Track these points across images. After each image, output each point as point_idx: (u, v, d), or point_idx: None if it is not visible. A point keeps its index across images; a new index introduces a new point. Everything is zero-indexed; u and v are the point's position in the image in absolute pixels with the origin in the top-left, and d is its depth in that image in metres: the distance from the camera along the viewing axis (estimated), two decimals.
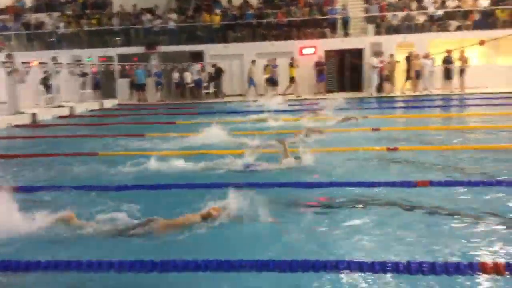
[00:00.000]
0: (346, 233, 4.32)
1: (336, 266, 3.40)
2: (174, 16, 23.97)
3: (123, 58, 22.81)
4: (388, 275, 3.38)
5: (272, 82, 21.31)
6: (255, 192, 4.70)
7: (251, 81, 21.55)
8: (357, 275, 3.39)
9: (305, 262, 3.38)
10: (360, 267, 3.42)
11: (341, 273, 3.37)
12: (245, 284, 3.38)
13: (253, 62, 21.47)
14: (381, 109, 16.12)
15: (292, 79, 21.21)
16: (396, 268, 3.38)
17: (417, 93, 19.78)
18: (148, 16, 23.96)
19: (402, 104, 17.81)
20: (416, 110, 14.54)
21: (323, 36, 22.47)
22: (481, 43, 12.52)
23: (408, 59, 20.14)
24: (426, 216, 4.74)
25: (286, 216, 4.76)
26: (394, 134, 9.69)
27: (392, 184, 5.76)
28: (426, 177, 6.05)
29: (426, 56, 20.03)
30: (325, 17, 22.64)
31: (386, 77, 20.60)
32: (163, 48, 22.80)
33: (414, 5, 22.89)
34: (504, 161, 7.05)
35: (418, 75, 20.44)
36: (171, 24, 23.44)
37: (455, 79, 20.02)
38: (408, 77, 20.27)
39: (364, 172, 6.58)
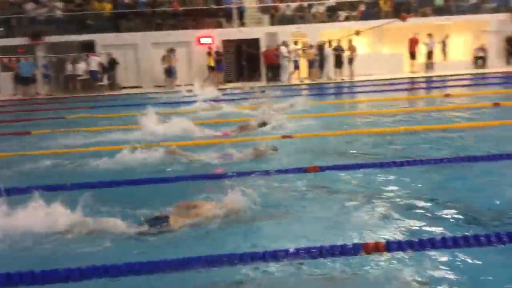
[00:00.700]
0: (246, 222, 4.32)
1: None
2: (59, 4, 22.46)
3: (6, 50, 20.93)
4: (279, 263, 3.45)
5: (170, 72, 20.90)
6: None
7: (170, 71, 20.96)
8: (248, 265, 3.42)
9: None
10: (252, 257, 3.47)
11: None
12: None
13: (172, 50, 20.87)
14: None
15: (211, 68, 21.14)
16: (285, 255, 3.47)
17: (313, 81, 20.67)
18: (31, 5, 22.19)
19: (300, 92, 18.30)
20: (314, 97, 15.13)
21: (219, 26, 22.49)
22: (357, 33, 13.23)
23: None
24: (315, 201, 4.92)
25: None
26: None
27: (285, 171, 5.93)
28: (319, 163, 6.33)
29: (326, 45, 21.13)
30: (221, 6, 22.61)
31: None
32: (51, 39, 21.28)
33: None
34: (389, 143, 7.56)
35: (312, 64, 21.41)
36: (58, 13, 21.95)
37: (345, 67, 21.28)
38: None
39: (259, 161, 6.68)
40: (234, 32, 22.14)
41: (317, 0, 23.34)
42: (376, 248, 3.44)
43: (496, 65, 21.98)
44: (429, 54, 21.93)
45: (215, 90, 17.48)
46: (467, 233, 3.75)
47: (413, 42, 21.91)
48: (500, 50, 22.54)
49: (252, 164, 6.39)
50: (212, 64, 21.10)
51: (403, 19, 12.49)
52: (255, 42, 22.07)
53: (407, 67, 22.33)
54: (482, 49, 22.35)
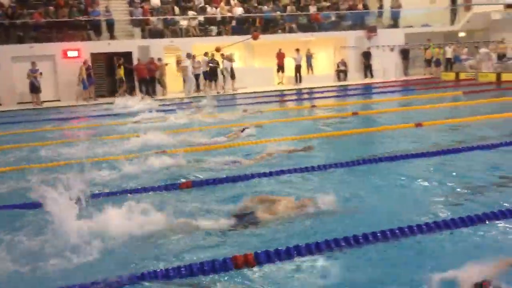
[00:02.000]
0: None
1: None
2: None
3: None
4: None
5: (34, 88, 19.33)
6: None
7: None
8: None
9: None
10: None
11: None
12: None
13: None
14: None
15: (121, 80, 20.63)
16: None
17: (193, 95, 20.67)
18: None
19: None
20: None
21: (88, 38, 21.46)
22: (217, 49, 13.52)
23: (178, 62, 20.90)
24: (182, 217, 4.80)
25: None
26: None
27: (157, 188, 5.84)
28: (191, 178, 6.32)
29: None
30: (86, 18, 21.58)
31: (158, 81, 21.08)
32: None
33: (177, 10, 23.76)
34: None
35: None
36: None
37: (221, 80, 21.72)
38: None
39: (136, 177, 6.48)
40: (104, 45, 21.29)
41: (188, 15, 23.51)
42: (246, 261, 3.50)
43: (355, 78, 24.10)
44: (297, 68, 23.28)
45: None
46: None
47: (280, 57, 23.18)
48: (358, 64, 24.75)
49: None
50: (123, 75, 20.73)
51: (255, 37, 13.04)
52: (127, 55, 21.46)
53: (277, 80, 23.56)
54: (343, 63, 24.34)
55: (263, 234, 4.26)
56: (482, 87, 17.97)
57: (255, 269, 3.53)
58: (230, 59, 21.62)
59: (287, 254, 3.64)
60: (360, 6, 25.86)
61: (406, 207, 4.89)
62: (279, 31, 24.05)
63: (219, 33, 22.85)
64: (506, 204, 4.65)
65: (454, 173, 6.05)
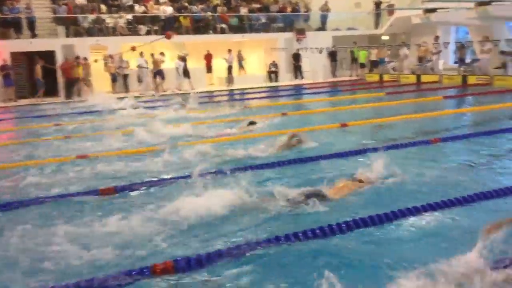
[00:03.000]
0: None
1: None
2: None
3: None
4: None
5: None
6: None
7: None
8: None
9: None
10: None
11: None
12: None
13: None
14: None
15: (39, 81, 19.70)
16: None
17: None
18: None
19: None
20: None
21: (6, 37, 20.21)
22: (133, 49, 13.30)
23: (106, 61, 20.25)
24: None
25: None
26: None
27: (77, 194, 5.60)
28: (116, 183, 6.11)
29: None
30: (6, 16, 20.31)
31: (84, 81, 20.29)
32: None
33: (104, 8, 22.99)
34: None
35: (115, 78, 20.91)
36: None
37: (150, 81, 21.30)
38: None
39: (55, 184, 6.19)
40: (25, 44, 20.13)
41: (116, 12, 22.83)
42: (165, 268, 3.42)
43: (286, 79, 24.54)
44: (229, 69, 23.30)
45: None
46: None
47: (208, 58, 23.14)
48: (288, 65, 25.20)
49: None
50: (82, 75, 20.07)
51: (168, 37, 12.92)
52: (50, 54, 20.42)
53: (208, 80, 23.50)
54: (274, 64, 24.68)
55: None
56: (404, 88, 18.93)
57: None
58: (183, 58, 21.53)
59: None
60: (290, 8, 26.38)
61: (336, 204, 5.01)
62: (210, 31, 23.97)
63: (148, 32, 22.36)
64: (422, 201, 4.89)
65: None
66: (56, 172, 6.86)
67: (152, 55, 21.19)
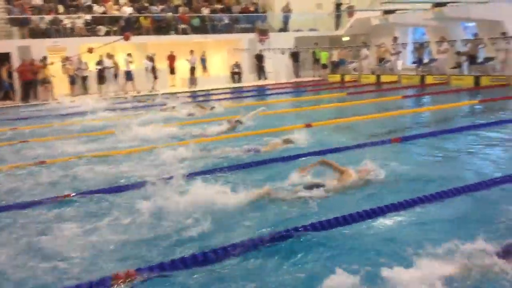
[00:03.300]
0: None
1: None
2: None
3: None
4: None
5: None
6: None
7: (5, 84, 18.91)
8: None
9: None
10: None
11: None
12: None
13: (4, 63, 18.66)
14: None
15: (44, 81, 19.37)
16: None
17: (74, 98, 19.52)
18: None
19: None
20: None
21: None
22: (90, 51, 13.06)
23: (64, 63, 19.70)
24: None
25: None
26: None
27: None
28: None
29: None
30: None
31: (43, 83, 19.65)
32: None
33: (61, 8, 22.37)
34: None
35: (73, 80, 20.43)
36: None
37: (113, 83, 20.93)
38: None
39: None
40: None
41: (74, 13, 22.25)
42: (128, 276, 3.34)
43: (249, 80, 24.56)
44: (192, 70, 23.11)
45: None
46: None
47: (171, 59, 22.90)
48: (251, 66, 25.24)
49: None
50: (49, 76, 19.53)
51: (126, 38, 12.73)
52: (5, 56, 19.67)
53: (170, 82, 23.25)
54: (237, 65, 24.66)
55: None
56: (365, 88, 19.30)
57: None
58: (151, 58, 21.47)
59: None
60: (252, 9, 26.42)
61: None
62: (172, 32, 23.71)
63: (107, 33, 21.89)
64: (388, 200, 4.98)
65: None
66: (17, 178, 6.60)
67: (110, 56, 20.81)
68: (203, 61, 24.07)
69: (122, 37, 12.37)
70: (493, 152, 7.33)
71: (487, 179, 5.46)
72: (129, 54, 21.21)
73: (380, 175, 5.59)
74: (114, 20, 22.64)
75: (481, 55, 19.01)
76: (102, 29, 22.00)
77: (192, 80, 23.14)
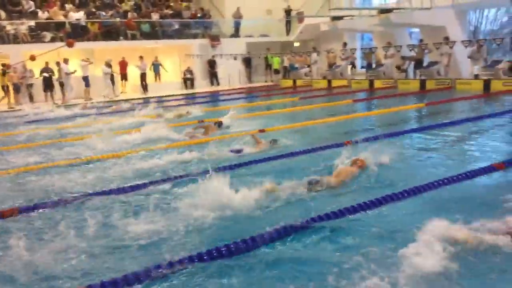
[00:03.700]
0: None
1: None
2: None
3: None
4: None
5: None
6: None
7: None
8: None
9: None
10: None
11: None
12: None
13: None
14: None
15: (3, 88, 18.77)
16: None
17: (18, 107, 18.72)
18: None
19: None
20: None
21: None
22: (32, 58, 12.73)
23: (4, 72, 18.75)
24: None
25: None
26: None
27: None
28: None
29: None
30: None
31: None
32: None
33: (3, 14, 21.43)
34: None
35: (18, 88, 19.57)
36: None
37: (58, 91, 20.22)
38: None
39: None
40: None
41: (18, 19, 21.37)
42: None
43: (202, 86, 24.42)
44: (143, 76, 22.71)
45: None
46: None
47: (123, 65, 22.44)
48: (204, 72, 25.11)
49: None
50: (8, 83, 18.84)
51: (70, 44, 12.44)
52: None
53: (121, 88, 22.74)
54: (189, 71, 24.46)
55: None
56: (316, 92, 19.61)
57: None
58: (109, 64, 21.26)
59: None
60: (202, 15, 26.33)
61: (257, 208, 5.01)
62: (121, 38, 23.23)
63: (53, 39, 21.15)
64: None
65: (297, 175, 6.37)
66: None
67: (57, 63, 20.12)
68: (156, 67, 23.72)
69: (65, 43, 11.92)
70: (440, 153, 7.61)
71: (436, 179, 5.63)
72: (87, 59, 20.62)
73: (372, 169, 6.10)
74: (60, 26, 21.91)
75: (426, 59, 19.79)
76: (48, 35, 21.25)
77: (143, 87, 22.74)
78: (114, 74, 21.80)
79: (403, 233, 4.09)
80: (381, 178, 5.90)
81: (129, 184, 6.23)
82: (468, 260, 3.62)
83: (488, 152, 7.24)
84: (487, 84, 16.49)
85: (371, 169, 6.09)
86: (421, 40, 20.15)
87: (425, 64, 19.73)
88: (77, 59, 21.38)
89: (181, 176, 6.40)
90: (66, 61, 20.17)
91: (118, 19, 23.48)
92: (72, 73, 20.28)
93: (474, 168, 6.05)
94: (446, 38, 18.26)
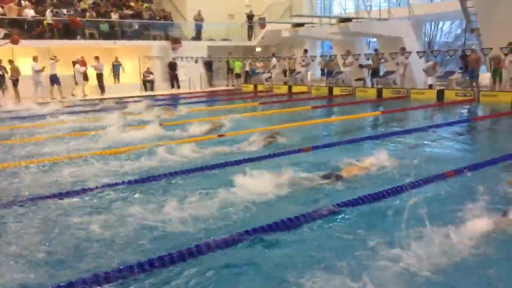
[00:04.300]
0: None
1: None
2: None
3: None
4: None
5: None
6: None
7: None
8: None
9: None
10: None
11: None
12: None
13: None
14: None
15: None
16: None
17: None
18: None
19: None
20: None
21: None
22: None
23: None
24: None
25: None
26: None
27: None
28: None
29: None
30: None
31: None
32: None
33: None
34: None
35: None
36: None
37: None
38: None
39: None
40: None
41: None
42: None
43: (162, 88, 24.11)
44: (99, 77, 22.18)
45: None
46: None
47: (82, 65, 21.85)
48: (164, 74, 24.81)
49: None
50: None
51: (14, 42, 12.08)
52: None
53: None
54: (149, 72, 24.10)
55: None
56: (277, 98, 19.74)
57: None
58: (84, 63, 21.03)
59: None
60: (163, 16, 26.07)
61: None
62: (78, 37, 22.62)
63: (7, 36, 20.33)
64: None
65: (262, 181, 6.36)
66: None
67: (10, 61, 19.39)
68: (116, 67, 23.26)
69: (9, 40, 11.50)
70: (397, 159, 7.78)
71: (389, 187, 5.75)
72: (53, 57, 19.96)
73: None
74: (14, 22, 21.13)
75: (383, 69, 20.34)
76: (1, 31, 20.43)
77: (101, 88, 22.22)
78: (82, 73, 21.26)
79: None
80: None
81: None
82: None
83: (439, 161, 7.48)
84: (440, 94, 17.09)
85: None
86: (375, 50, 20.68)
87: (382, 73, 20.27)
88: (30, 58, 20.63)
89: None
90: (35, 58, 19.44)
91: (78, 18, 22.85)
92: (41, 70, 19.58)
93: (427, 176, 6.22)
94: (403, 49, 18.82)
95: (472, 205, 4.53)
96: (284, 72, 24.45)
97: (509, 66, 16.03)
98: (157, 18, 25.94)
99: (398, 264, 3.66)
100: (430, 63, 18.29)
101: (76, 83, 21.52)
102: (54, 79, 20.14)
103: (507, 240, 4.20)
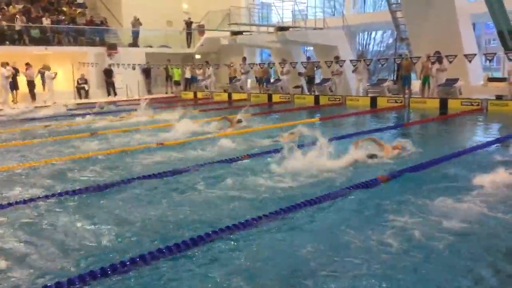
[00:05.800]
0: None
1: None
2: None
3: None
4: None
5: None
6: None
7: None
8: None
9: None
10: None
11: None
12: None
13: None
14: None
15: None
16: None
17: None
18: None
19: None
20: None
21: None
22: None
23: None
24: None
25: None
26: None
27: None
28: None
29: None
30: None
31: None
32: None
33: None
34: None
35: None
36: None
37: None
38: None
39: None
40: None
41: None
42: None
43: (98, 95, 23.40)
44: (30, 84, 21.20)
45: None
46: None
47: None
48: (100, 81, 24.10)
49: None
50: None
51: None
52: None
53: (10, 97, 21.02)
54: (84, 79, 23.32)
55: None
56: (217, 105, 19.75)
57: None
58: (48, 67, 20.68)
59: None
60: (99, 22, 25.38)
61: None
62: (7, 42, 21.52)
63: None
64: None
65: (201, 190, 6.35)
66: None
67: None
68: (43, 75, 22.31)
69: None
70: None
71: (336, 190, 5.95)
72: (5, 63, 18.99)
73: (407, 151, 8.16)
74: None
75: (319, 76, 20.92)
76: None
77: (32, 96, 21.23)
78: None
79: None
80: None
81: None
82: None
83: (373, 166, 7.79)
84: (374, 100, 17.83)
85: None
86: (308, 58, 21.29)
87: (318, 81, 20.83)
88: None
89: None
90: (4, 65, 18.37)
91: (4, 23, 21.76)
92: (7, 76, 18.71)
93: (361, 181, 6.46)
94: (337, 57, 19.47)
95: None
96: (230, 78, 24.40)
97: (436, 74, 17.03)
98: (95, 23, 25.18)
99: None
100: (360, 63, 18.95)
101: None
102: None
103: None
